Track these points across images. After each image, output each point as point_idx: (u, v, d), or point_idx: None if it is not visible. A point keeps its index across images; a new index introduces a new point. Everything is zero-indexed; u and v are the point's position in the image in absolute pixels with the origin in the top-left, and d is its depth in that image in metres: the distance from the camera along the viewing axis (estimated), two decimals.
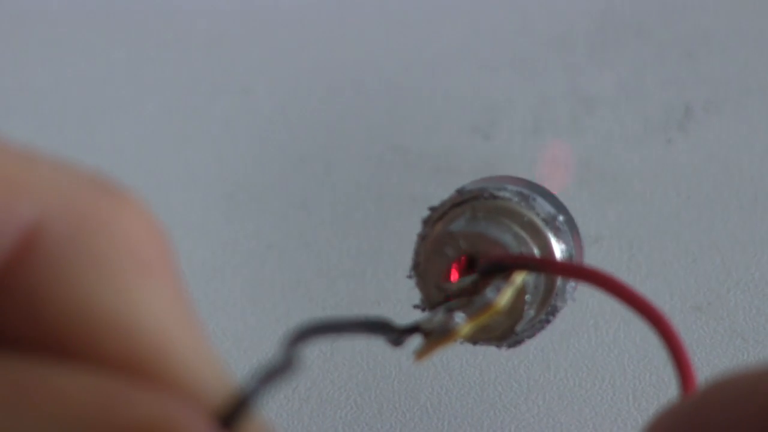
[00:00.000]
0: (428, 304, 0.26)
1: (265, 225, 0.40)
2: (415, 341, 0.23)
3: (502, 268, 0.24)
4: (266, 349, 0.31)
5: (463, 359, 0.33)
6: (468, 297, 0.24)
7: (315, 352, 0.34)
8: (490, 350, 0.34)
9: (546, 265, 0.25)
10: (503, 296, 0.23)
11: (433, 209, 0.26)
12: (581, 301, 0.33)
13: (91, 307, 0.14)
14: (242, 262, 0.38)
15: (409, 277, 0.26)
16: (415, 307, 0.26)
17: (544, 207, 0.26)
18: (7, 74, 0.49)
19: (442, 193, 0.27)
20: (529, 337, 0.26)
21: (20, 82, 0.48)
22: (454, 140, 0.43)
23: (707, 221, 0.38)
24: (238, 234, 0.40)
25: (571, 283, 0.26)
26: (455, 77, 0.47)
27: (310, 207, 0.40)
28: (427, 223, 0.26)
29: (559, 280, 0.25)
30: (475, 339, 0.26)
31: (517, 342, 0.26)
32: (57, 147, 0.42)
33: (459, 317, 0.23)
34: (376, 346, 0.32)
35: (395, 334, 0.21)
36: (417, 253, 0.26)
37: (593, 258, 0.37)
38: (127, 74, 0.48)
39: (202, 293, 0.36)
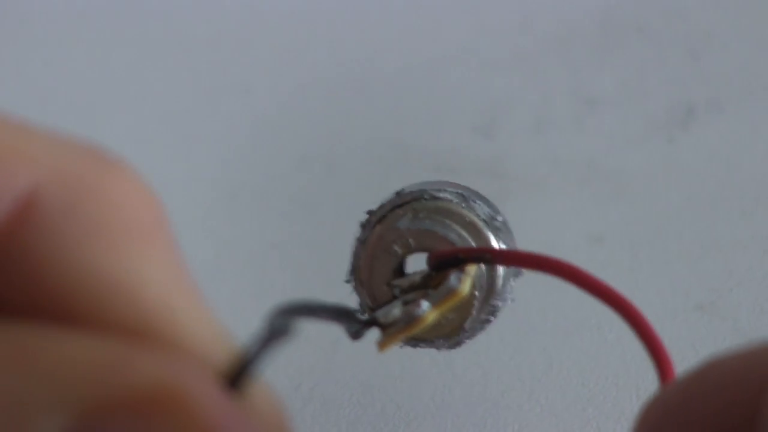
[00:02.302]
0: (375, 302, 0.26)
1: (267, 224, 0.40)
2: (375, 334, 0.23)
3: (455, 262, 0.24)
4: None
5: (465, 359, 0.33)
6: (421, 291, 0.24)
7: (317, 352, 0.34)
8: (493, 349, 0.34)
9: (501, 256, 0.25)
10: (465, 283, 0.23)
11: (371, 212, 0.26)
12: (582, 299, 0.32)
13: (90, 272, 0.14)
14: (244, 261, 0.38)
15: (347, 281, 0.26)
16: (355, 311, 0.26)
17: (483, 208, 0.26)
18: (8, 74, 0.49)
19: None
20: (470, 338, 0.26)
21: (21, 82, 0.48)
22: (455, 139, 0.43)
23: (709, 220, 0.38)
24: (240, 233, 0.39)
25: (510, 284, 0.26)
26: (457, 77, 0.47)
27: (311, 206, 0.40)
28: (366, 226, 0.26)
29: (500, 280, 0.25)
30: (418, 339, 0.26)
31: (458, 343, 0.26)
32: None
33: (425, 305, 0.23)
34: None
35: (356, 326, 0.22)
36: (356, 256, 0.26)
37: (595, 258, 0.37)
38: (128, 74, 0.48)
39: (204, 293, 0.36)
